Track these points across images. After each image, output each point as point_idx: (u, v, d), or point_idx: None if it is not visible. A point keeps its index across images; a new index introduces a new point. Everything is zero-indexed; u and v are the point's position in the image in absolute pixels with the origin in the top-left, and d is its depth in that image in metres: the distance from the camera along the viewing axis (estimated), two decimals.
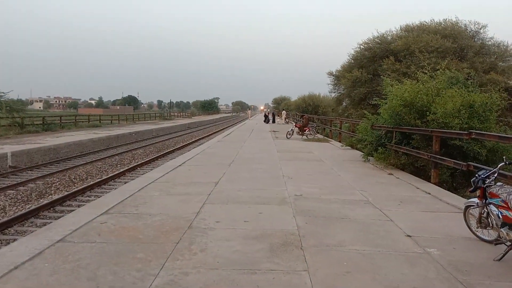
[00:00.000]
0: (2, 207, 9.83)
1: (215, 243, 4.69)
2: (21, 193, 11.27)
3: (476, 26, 27.96)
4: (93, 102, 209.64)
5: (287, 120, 46.63)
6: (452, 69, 11.56)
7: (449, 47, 25.12)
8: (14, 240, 6.87)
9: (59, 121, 34.34)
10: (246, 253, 4.38)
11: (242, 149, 15.98)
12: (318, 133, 25.16)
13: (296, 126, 24.27)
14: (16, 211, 9.55)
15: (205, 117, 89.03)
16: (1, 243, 7.28)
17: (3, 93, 29.38)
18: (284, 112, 50.20)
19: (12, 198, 10.69)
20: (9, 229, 8.14)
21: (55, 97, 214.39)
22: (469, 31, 28.03)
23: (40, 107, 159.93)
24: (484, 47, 27.23)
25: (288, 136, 22.45)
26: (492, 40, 27.48)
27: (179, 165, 11.05)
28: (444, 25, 28.42)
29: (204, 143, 20.90)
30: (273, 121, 46.23)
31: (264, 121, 45.58)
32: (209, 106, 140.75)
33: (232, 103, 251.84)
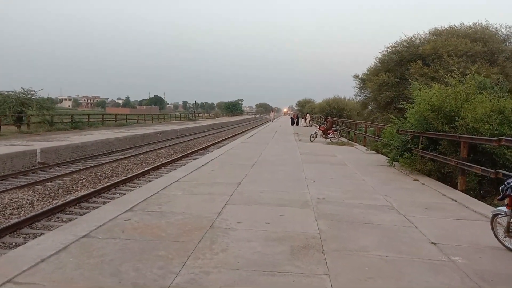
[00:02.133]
0: (31, 202, 10.11)
1: (236, 244, 4.70)
2: (48, 188, 11.58)
3: (508, 29, 27.23)
4: (120, 101, 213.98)
5: (310, 122, 46.41)
6: (482, 74, 11.26)
7: (479, 51, 24.50)
8: (41, 234, 7.07)
9: (87, 120, 35.16)
10: (266, 255, 4.38)
11: (265, 150, 15.98)
12: (342, 136, 24.93)
13: (320, 129, 24.11)
14: (44, 206, 9.81)
15: (228, 118, 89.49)
16: (29, 237, 7.50)
17: (34, 91, 30.39)
18: (308, 115, 49.98)
19: (40, 193, 10.99)
20: (36, 223, 8.37)
21: (83, 96, 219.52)
22: (500, 35, 27.30)
23: (69, 106, 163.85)
24: None
25: (312, 139, 22.30)
26: None
27: (202, 165, 11.13)
28: (474, 28, 27.74)
29: (227, 144, 21.02)
30: (297, 124, 46.13)
31: (292, 124, 45.94)
32: (233, 108, 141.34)
33: (256, 105, 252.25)
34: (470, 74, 10.94)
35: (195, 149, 22.78)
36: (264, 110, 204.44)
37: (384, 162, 12.96)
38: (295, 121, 46.88)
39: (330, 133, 22.59)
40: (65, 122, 30.91)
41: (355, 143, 22.33)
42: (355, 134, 25.30)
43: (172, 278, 3.71)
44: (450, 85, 10.66)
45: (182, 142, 28.41)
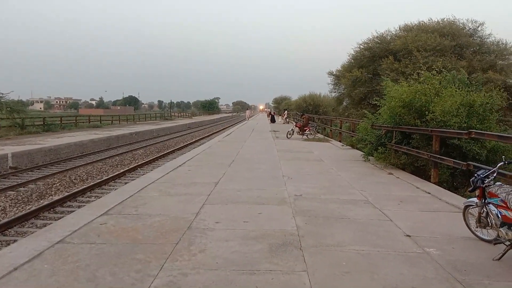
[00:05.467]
0: (3, 208, 9.84)
1: (215, 244, 4.69)
2: (21, 194, 11.28)
3: (474, 24, 28.03)
4: (93, 102, 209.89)
5: (287, 119, 46.68)
6: (447, 68, 11.52)
7: (447, 45, 25.13)
8: (14, 241, 6.88)
9: (59, 122, 34.41)
10: (245, 254, 4.39)
11: (242, 149, 15.98)
12: (318, 132, 25.15)
13: (296, 126, 24.27)
14: (17, 212, 9.56)
15: (205, 117, 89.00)
16: (1, 244, 7.31)
17: (3, 94, 29.40)
18: (285, 112, 50.32)
19: (12, 199, 10.70)
20: (9, 230, 8.15)
21: (56, 98, 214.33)
22: (467, 29, 28.07)
23: (41, 108, 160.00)
24: (483, 45, 27.23)
25: (289, 136, 22.44)
26: (490, 38, 27.53)
27: (179, 166, 11.05)
28: (442, 24, 28.46)
29: (205, 143, 20.91)
30: (273, 121, 46.36)
31: (271, 121, 46.41)
32: (209, 106, 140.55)
33: (232, 103, 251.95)
34: (435, 69, 11.15)
35: (171, 149, 22.58)
36: (241, 108, 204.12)
37: (360, 157, 13.14)
38: (273, 118, 47.48)
39: (306, 129, 22.78)
40: (37, 125, 30.14)
41: (331, 139, 22.57)
42: (330, 130, 25.59)
43: (150, 281, 3.68)
44: (419, 81, 10.86)
45: (158, 142, 28.12)
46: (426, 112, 9.87)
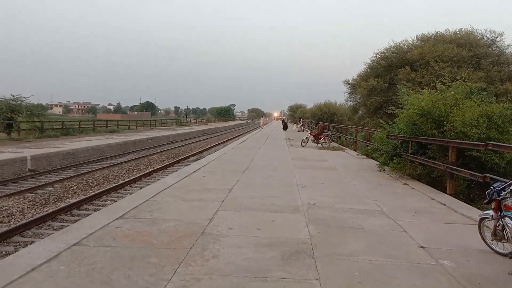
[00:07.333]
0: (21, 209, 10.04)
1: (228, 250, 4.73)
2: (39, 196, 11.50)
3: (492, 34, 27.70)
4: (111, 107, 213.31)
5: (302, 127, 46.60)
6: (471, 80, 11.41)
7: (464, 56, 24.85)
8: (32, 242, 7.04)
9: (78, 126, 34.94)
10: (257, 261, 4.41)
11: (256, 156, 16.02)
12: (333, 141, 25.05)
13: (311, 134, 24.21)
14: (34, 214, 9.75)
15: (220, 124, 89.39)
16: (20, 245, 7.46)
17: (24, 98, 30.12)
18: (300, 119, 50.36)
19: (30, 201, 10.92)
20: (27, 231, 8.32)
21: (74, 102, 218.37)
22: (485, 40, 27.74)
23: (59, 112, 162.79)
24: (501, 55, 26.85)
25: (303, 144, 22.39)
26: (510, 48, 27.13)
27: (194, 171, 11.14)
28: (459, 34, 28.21)
29: (219, 150, 21.02)
30: (285, 128, 46.46)
31: (283, 128, 46.85)
32: (225, 113, 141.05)
33: (248, 110, 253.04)
34: (460, 80, 11.08)
35: (186, 155, 22.75)
36: (256, 115, 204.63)
37: (375, 166, 13.05)
38: (286, 125, 47.81)
39: (321, 138, 22.70)
40: (55, 129, 30.69)
41: (346, 148, 22.45)
42: (346, 139, 25.47)
43: (163, 285, 3.73)
44: (439, 90, 10.77)
45: (174, 148, 28.35)
46: (444, 122, 9.77)
